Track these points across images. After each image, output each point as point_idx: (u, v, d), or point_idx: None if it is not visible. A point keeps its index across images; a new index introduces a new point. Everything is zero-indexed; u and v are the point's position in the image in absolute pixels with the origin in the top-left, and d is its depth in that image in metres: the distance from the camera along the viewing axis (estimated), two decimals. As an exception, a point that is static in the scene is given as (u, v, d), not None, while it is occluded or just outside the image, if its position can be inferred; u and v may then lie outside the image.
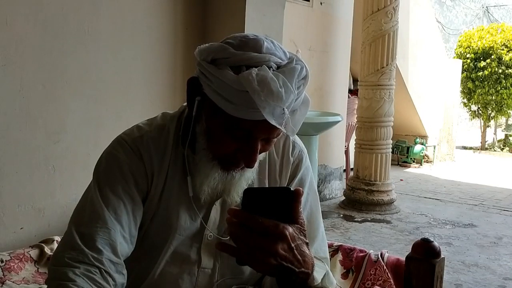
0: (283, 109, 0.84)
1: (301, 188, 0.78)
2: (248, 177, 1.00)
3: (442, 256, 1.10)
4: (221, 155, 0.95)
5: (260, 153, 0.94)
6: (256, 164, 0.95)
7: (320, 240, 1.12)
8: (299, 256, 0.78)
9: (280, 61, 0.90)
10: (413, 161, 7.05)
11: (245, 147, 0.91)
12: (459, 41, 9.54)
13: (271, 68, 0.86)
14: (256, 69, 0.84)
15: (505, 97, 8.82)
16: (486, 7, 15.78)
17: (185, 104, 1.04)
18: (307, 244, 0.81)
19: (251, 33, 0.94)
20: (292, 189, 0.77)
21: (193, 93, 0.95)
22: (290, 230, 0.76)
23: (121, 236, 0.94)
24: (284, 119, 0.85)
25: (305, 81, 0.90)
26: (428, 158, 7.30)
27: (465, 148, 9.79)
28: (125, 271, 0.94)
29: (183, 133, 1.01)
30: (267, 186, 1.08)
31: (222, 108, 0.87)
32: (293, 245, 0.77)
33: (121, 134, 1.03)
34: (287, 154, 1.10)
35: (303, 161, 1.13)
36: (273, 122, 0.84)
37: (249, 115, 0.86)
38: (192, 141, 0.99)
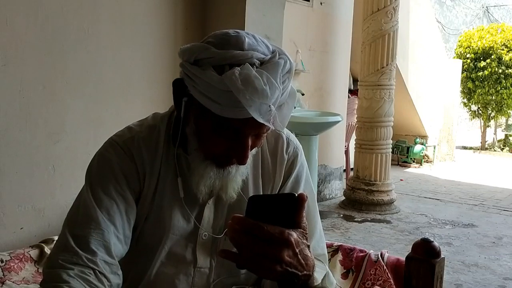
0: (269, 106, 0.84)
1: (305, 193, 0.77)
2: (243, 172, 1.00)
3: (442, 256, 1.10)
4: (214, 155, 0.95)
5: (251, 149, 0.94)
6: (249, 159, 0.95)
7: (318, 237, 1.12)
8: (302, 261, 0.77)
9: (263, 56, 0.89)
10: (413, 161, 7.05)
11: (236, 145, 0.92)
12: (459, 41, 9.54)
13: (254, 66, 0.86)
14: (239, 68, 0.84)
15: (505, 97, 8.82)
16: (486, 7, 15.78)
17: None
18: (308, 247, 0.80)
19: (232, 30, 0.93)
20: (296, 195, 0.77)
21: (179, 94, 0.95)
22: (294, 236, 0.76)
23: (115, 236, 0.94)
24: (271, 116, 0.85)
25: (290, 74, 0.90)
26: (428, 158, 7.30)
27: (465, 148, 9.79)
28: (120, 272, 0.94)
29: (173, 134, 1.01)
30: (260, 184, 1.08)
31: (209, 109, 0.88)
32: (297, 250, 0.76)
33: (112, 136, 1.03)
34: (281, 152, 1.10)
35: (298, 158, 1.12)
36: (260, 120, 0.84)
37: (236, 114, 0.86)
38: (183, 140, 0.99)
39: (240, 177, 0.99)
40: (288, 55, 0.91)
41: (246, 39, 0.90)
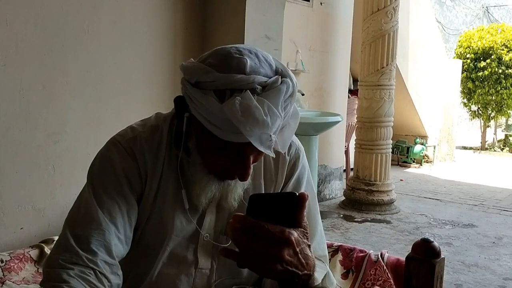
0: (270, 135, 0.84)
1: (306, 193, 0.77)
2: (243, 183, 1.00)
3: (442, 256, 1.10)
4: (216, 171, 0.96)
5: (252, 163, 0.94)
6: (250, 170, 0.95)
7: (319, 238, 1.12)
8: (303, 260, 0.77)
9: (266, 79, 0.87)
10: (413, 161, 7.05)
11: (237, 163, 0.92)
12: (459, 41, 9.54)
13: (255, 93, 0.85)
14: (240, 97, 0.83)
15: (505, 97, 8.82)
16: (486, 7, 15.78)
17: None
18: (309, 246, 0.80)
19: (234, 48, 0.91)
20: (297, 194, 0.77)
21: (181, 110, 0.95)
22: (295, 235, 0.76)
23: (116, 237, 0.94)
24: (272, 144, 0.85)
25: (292, 98, 0.89)
26: (428, 158, 7.30)
27: (465, 148, 9.79)
28: (120, 272, 0.94)
29: (175, 142, 1.01)
30: (262, 186, 1.08)
31: (210, 131, 0.88)
32: (298, 249, 0.76)
33: (115, 136, 1.03)
34: (283, 153, 1.09)
35: (300, 160, 1.12)
36: (260, 149, 0.84)
37: (237, 139, 0.86)
38: (186, 147, 0.99)
39: (241, 187, 1.00)
40: (291, 75, 0.90)
41: (248, 61, 0.88)
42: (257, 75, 0.87)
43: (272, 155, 0.87)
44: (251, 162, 0.92)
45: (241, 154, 0.91)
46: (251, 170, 0.94)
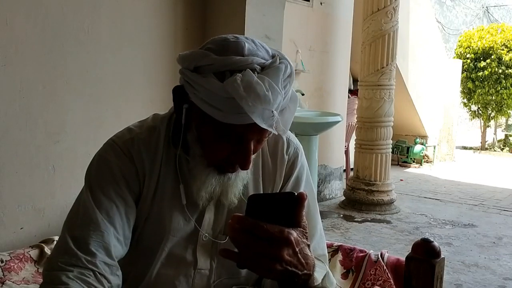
0: (272, 111, 0.84)
1: (305, 192, 0.77)
2: (243, 177, 1.00)
3: (442, 256, 1.10)
4: (217, 161, 0.95)
5: (253, 153, 0.94)
6: (250, 164, 0.95)
7: (318, 237, 1.12)
8: (302, 260, 0.77)
9: (264, 61, 0.89)
10: (413, 161, 7.05)
11: (238, 150, 0.92)
12: (459, 41, 9.54)
13: (255, 71, 0.86)
14: (240, 74, 0.84)
15: (505, 97, 8.82)
16: (486, 7, 15.77)
17: None
18: (308, 246, 0.80)
19: (231, 35, 0.93)
20: (296, 193, 0.77)
21: (179, 101, 0.95)
22: (294, 235, 0.76)
23: (115, 238, 0.94)
24: (274, 121, 0.85)
25: (291, 79, 0.90)
26: (428, 158, 7.30)
27: (465, 148, 9.79)
28: (119, 273, 0.94)
29: (174, 137, 1.01)
30: (261, 184, 1.08)
31: (211, 115, 0.88)
32: (297, 249, 0.76)
33: (112, 137, 1.03)
34: (281, 152, 1.10)
35: (299, 159, 1.12)
36: (263, 126, 0.84)
37: (239, 120, 0.86)
38: (184, 144, 0.99)
39: (241, 182, 0.99)
40: (288, 59, 0.91)
41: (246, 44, 0.90)
42: (255, 57, 0.88)
43: (275, 132, 0.87)
44: (252, 149, 0.92)
45: (242, 139, 0.90)
46: (251, 160, 0.94)
